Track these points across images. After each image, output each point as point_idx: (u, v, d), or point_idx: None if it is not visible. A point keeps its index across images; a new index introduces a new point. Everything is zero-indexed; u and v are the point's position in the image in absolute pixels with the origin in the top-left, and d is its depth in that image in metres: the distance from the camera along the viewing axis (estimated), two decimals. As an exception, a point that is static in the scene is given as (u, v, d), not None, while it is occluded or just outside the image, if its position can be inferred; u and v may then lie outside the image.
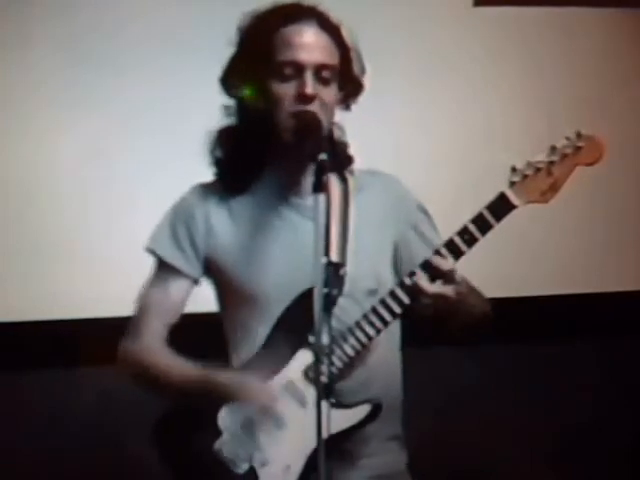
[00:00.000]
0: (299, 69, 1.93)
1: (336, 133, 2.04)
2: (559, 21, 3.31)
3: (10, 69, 2.99)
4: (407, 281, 1.92)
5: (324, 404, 1.78)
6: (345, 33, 2.00)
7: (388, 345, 2.05)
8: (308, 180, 1.94)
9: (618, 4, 3.35)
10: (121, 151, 3.00)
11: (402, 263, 2.08)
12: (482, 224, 1.90)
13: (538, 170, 1.90)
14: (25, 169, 3.00)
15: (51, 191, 2.99)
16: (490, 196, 1.92)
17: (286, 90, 1.94)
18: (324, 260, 1.75)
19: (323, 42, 1.96)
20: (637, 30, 3.40)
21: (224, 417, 1.97)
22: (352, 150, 2.07)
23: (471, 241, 1.91)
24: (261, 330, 1.99)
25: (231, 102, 2.05)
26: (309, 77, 1.93)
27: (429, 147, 3.16)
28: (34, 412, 2.99)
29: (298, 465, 1.95)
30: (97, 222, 2.99)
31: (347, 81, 2.01)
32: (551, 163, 1.90)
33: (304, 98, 1.93)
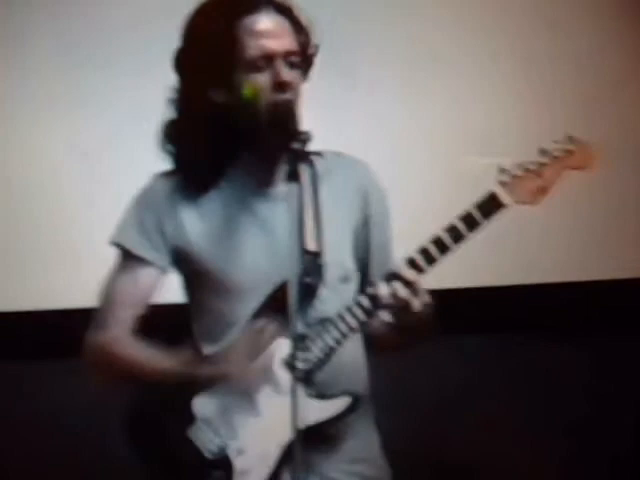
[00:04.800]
0: (270, 58, 1.93)
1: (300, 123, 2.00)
2: (555, 20, 3.36)
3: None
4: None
5: (302, 394, 1.84)
6: (297, 13, 2.01)
7: (355, 336, 2.07)
8: (279, 169, 1.97)
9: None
10: (109, 150, 3.09)
11: (358, 251, 2.10)
12: (470, 222, 1.92)
13: (528, 171, 1.92)
14: (14, 166, 3.10)
15: (42, 187, 3.09)
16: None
17: (260, 81, 1.94)
18: (301, 250, 1.82)
19: (285, 28, 1.97)
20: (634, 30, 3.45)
21: (199, 404, 1.97)
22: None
23: (458, 238, 1.92)
24: (236, 319, 1.99)
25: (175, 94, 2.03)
26: (281, 65, 1.94)
27: (420, 146, 3.22)
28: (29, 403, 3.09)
29: (275, 454, 1.96)
30: (86, 215, 3.07)
31: (306, 61, 2.02)
32: (542, 165, 1.92)
33: (281, 86, 1.93)
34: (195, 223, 2.02)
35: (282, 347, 1.94)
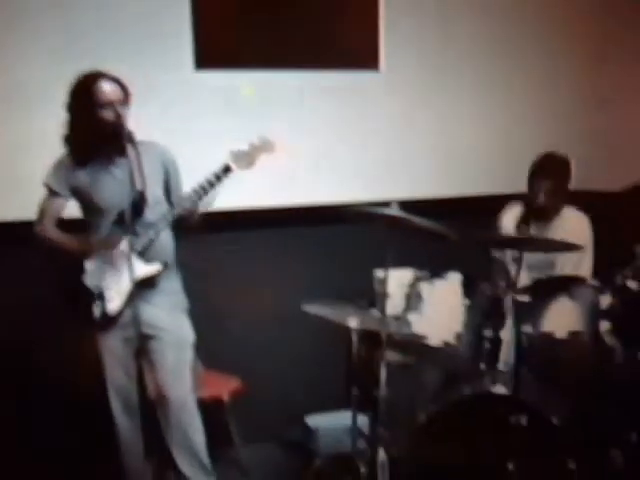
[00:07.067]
0: (110, 103, 3.70)
1: (127, 129, 3.68)
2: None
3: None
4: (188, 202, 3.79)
5: (138, 262, 3.68)
6: (124, 81, 3.75)
7: (166, 230, 3.90)
8: (119, 152, 3.72)
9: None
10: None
11: (165, 188, 3.91)
12: (218, 177, 3.78)
13: (242, 154, 3.78)
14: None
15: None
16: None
17: (104, 114, 3.69)
18: (134, 189, 3.62)
19: (118, 89, 3.72)
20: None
21: (87, 264, 3.78)
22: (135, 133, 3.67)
23: (212, 185, 3.76)
24: (104, 225, 3.80)
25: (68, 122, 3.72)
26: (116, 106, 3.70)
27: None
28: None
29: (125, 291, 3.75)
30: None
31: (128, 104, 3.75)
32: (249, 151, 3.79)
33: (116, 117, 3.70)
34: (82, 176, 3.81)
35: (127, 239, 3.73)
